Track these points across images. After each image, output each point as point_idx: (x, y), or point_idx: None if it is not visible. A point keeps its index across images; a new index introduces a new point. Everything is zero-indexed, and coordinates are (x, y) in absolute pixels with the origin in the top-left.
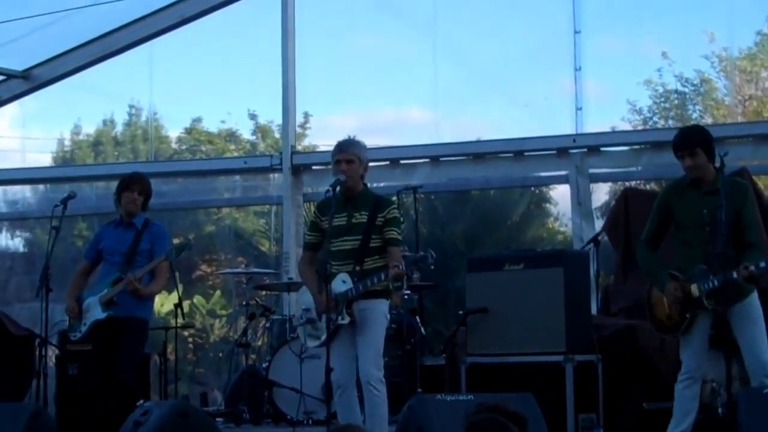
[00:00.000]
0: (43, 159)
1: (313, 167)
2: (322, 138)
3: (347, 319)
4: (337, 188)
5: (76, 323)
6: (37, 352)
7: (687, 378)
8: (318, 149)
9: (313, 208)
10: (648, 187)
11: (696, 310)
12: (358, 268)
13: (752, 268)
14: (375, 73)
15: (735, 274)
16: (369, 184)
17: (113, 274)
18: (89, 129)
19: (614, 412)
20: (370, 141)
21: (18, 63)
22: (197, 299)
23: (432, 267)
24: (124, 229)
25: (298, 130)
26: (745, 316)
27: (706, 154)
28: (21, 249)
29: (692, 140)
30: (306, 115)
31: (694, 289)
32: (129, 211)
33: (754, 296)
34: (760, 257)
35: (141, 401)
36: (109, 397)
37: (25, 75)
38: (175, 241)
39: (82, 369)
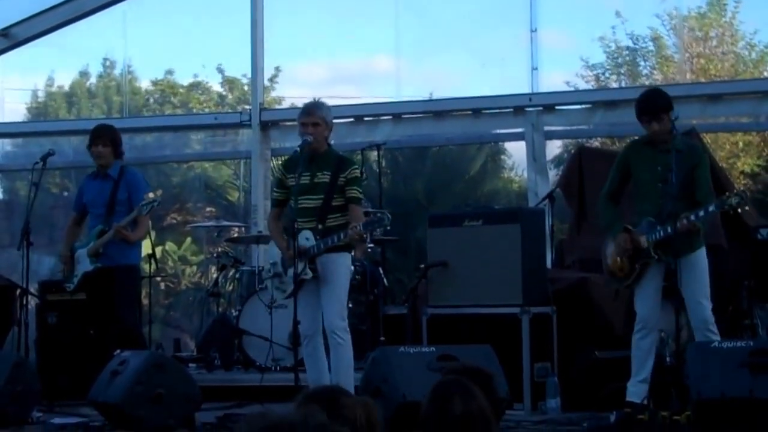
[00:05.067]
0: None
1: (281, 123)
2: (291, 88)
3: (310, 275)
4: (305, 148)
5: (70, 274)
6: (18, 302)
7: (641, 329)
8: (285, 99)
9: (279, 166)
10: (598, 143)
11: (645, 261)
12: (320, 225)
13: (692, 217)
14: (342, 24)
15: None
16: (335, 141)
17: (98, 227)
18: (62, 81)
19: (568, 360)
20: (338, 90)
21: None
22: (169, 245)
23: (388, 228)
24: (102, 181)
25: (267, 83)
26: (691, 270)
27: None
28: (0, 196)
29: (656, 106)
30: (277, 69)
31: (643, 240)
32: (100, 163)
33: (702, 251)
34: None
35: (118, 351)
36: (112, 343)
37: (4, 33)
38: (150, 195)
39: (62, 318)
